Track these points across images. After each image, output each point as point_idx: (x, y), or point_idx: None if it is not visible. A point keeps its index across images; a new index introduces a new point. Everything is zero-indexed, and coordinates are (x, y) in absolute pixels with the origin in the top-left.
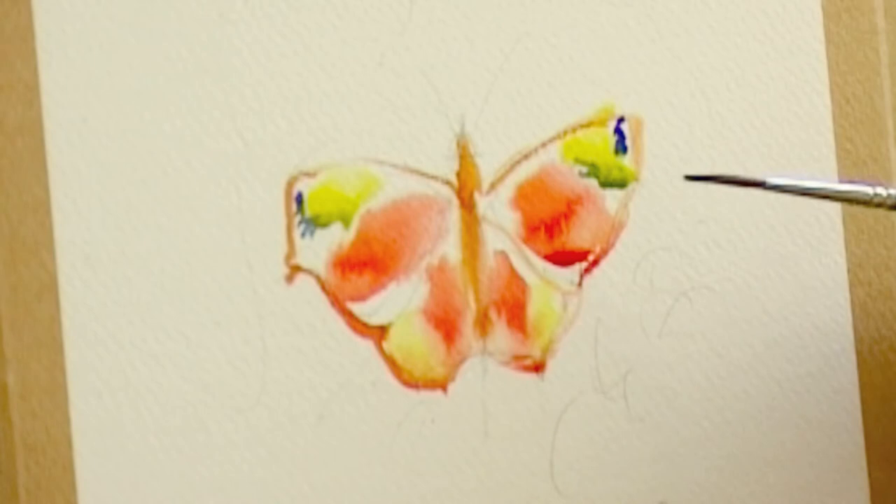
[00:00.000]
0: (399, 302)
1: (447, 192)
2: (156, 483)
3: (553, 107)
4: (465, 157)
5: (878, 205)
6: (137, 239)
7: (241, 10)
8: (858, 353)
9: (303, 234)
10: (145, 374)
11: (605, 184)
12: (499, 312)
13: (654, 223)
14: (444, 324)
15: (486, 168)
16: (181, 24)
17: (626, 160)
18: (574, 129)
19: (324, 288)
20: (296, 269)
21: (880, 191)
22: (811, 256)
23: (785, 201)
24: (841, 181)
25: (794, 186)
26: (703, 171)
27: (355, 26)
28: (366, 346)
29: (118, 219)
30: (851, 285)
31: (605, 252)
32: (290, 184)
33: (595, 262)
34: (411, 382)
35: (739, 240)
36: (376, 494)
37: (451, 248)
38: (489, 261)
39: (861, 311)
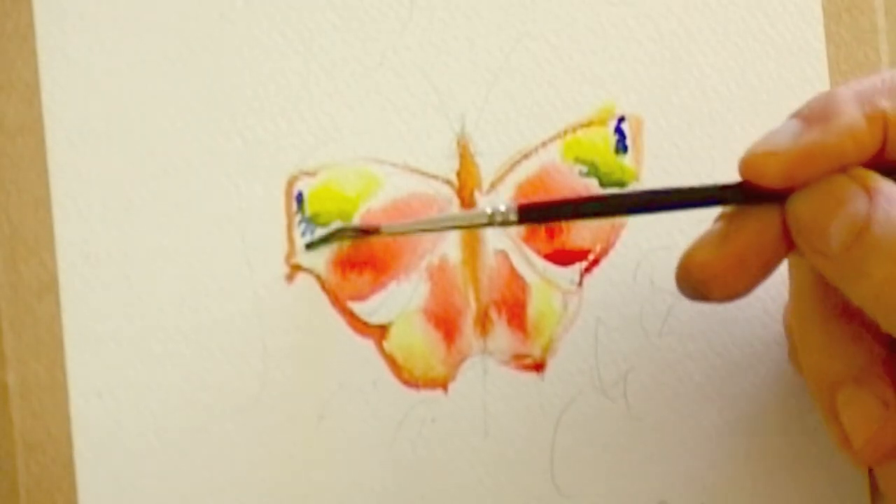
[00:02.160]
0: (399, 301)
1: (447, 192)
2: (156, 483)
3: (553, 107)
4: (465, 156)
5: (503, 223)
6: (137, 239)
7: (241, 10)
8: None
9: (303, 234)
10: (145, 374)
11: (606, 183)
12: (499, 312)
13: (654, 223)
14: (445, 323)
15: (487, 168)
16: (181, 24)
17: (627, 160)
18: (574, 129)
19: (324, 287)
20: (296, 269)
21: (500, 207)
22: None
23: None
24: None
25: (409, 225)
26: (704, 171)
27: (355, 26)
28: (366, 345)
29: (118, 219)
30: None
31: (605, 251)
32: (290, 183)
33: (595, 262)
34: (411, 382)
35: None
36: (376, 494)
37: (451, 248)
38: (489, 260)
39: None
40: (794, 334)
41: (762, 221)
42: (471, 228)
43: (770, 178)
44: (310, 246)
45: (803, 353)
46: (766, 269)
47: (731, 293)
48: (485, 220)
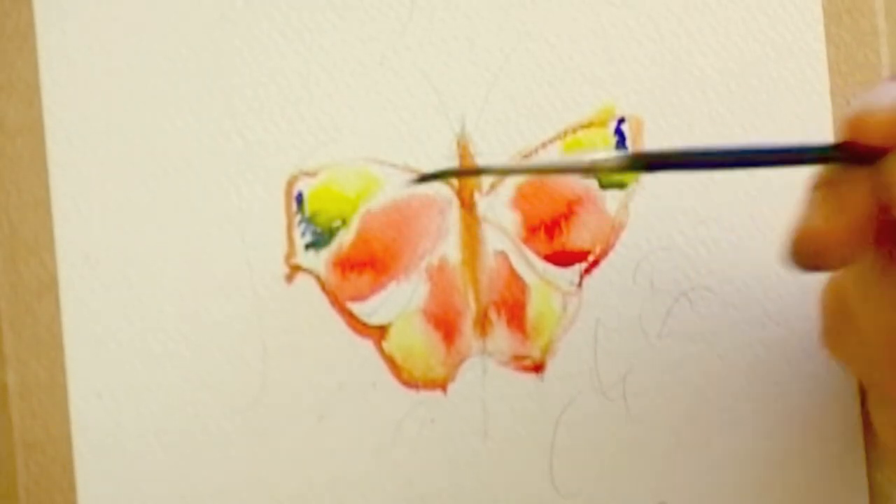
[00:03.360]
0: (399, 302)
1: (447, 192)
2: (155, 483)
3: (553, 107)
4: (465, 157)
5: (601, 170)
6: (137, 239)
7: (241, 9)
8: None
9: (303, 234)
10: (145, 374)
11: (605, 184)
12: (499, 312)
13: (654, 224)
14: (444, 324)
15: None
16: (181, 24)
17: None
18: (574, 130)
19: (324, 288)
20: (296, 269)
21: (600, 155)
22: None
23: (785, 201)
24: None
25: (511, 167)
26: (704, 172)
27: (355, 26)
28: (366, 345)
29: (118, 219)
30: None
31: (604, 252)
32: (290, 184)
33: (595, 263)
34: (411, 382)
35: (739, 240)
36: (376, 494)
37: (451, 249)
38: (489, 261)
39: None
40: (837, 308)
41: (871, 185)
42: (569, 174)
43: (876, 135)
44: (419, 181)
45: (868, 314)
46: (873, 234)
47: (847, 260)
48: (586, 167)
